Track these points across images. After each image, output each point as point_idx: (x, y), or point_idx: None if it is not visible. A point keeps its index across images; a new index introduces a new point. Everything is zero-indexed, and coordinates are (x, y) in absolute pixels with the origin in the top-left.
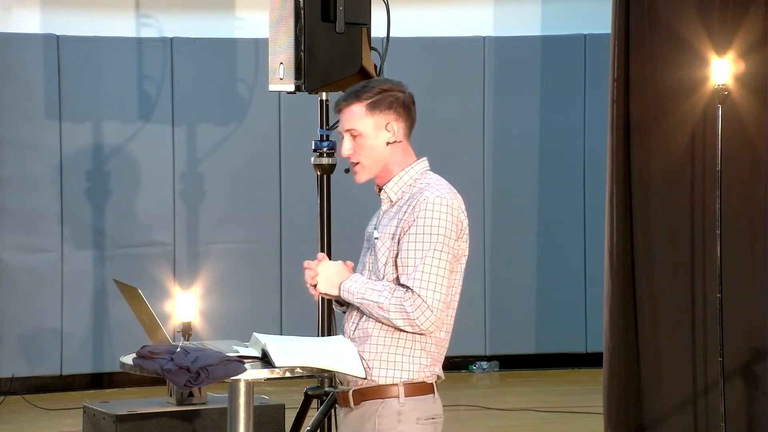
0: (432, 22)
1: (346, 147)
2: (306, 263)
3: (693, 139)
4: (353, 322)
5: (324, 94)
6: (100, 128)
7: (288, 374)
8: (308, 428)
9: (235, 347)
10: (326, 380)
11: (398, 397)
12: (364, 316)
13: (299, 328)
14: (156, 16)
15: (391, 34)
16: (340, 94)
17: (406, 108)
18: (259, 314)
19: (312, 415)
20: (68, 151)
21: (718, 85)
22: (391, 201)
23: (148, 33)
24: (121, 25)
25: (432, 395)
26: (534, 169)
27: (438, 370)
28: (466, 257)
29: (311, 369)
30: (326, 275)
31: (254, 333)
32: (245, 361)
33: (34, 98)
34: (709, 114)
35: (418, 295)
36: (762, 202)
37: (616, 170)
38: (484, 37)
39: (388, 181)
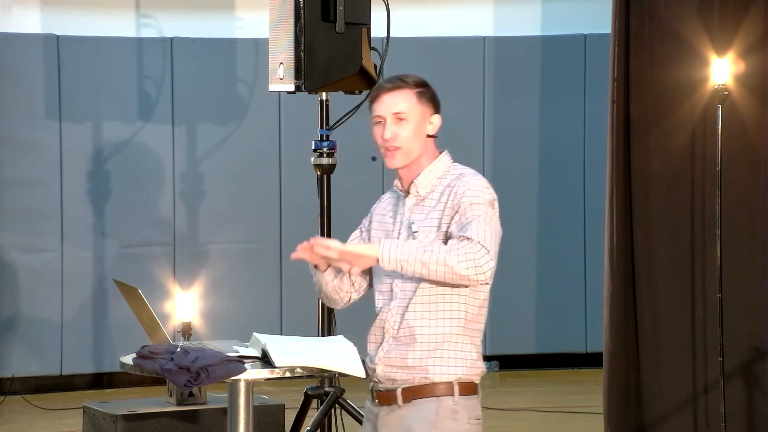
0: (432, 22)
1: (391, 130)
2: (331, 246)
3: (693, 139)
4: (395, 321)
5: (324, 94)
6: (100, 128)
7: (288, 374)
8: (308, 428)
9: (235, 347)
10: (326, 380)
11: (453, 395)
12: (408, 314)
13: (299, 328)
14: (156, 16)
15: (391, 34)
16: (340, 94)
17: (440, 106)
18: (259, 314)
19: (312, 415)
20: (68, 151)
21: (718, 85)
22: (419, 194)
23: (148, 33)
24: (121, 25)
25: (477, 395)
26: (534, 169)
27: (483, 364)
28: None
29: (311, 369)
30: (348, 251)
31: (254, 333)
32: (245, 361)
33: (34, 98)
34: (709, 114)
35: (478, 242)
36: (762, 202)
37: (616, 170)
38: (484, 37)
39: (417, 174)
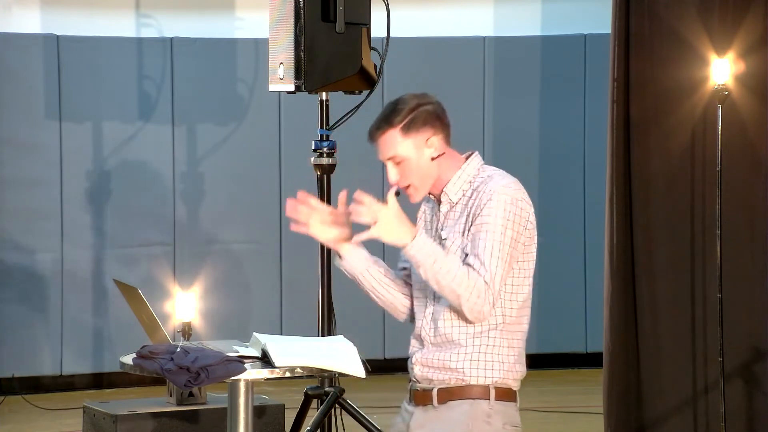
0: (432, 22)
1: (392, 174)
2: (362, 198)
3: (693, 139)
4: (430, 328)
5: (324, 94)
6: (100, 128)
7: (288, 374)
8: (308, 428)
9: (235, 347)
10: (326, 380)
11: (489, 399)
12: (441, 320)
13: (299, 328)
14: (156, 16)
15: (391, 34)
16: (340, 94)
17: (439, 119)
18: (259, 314)
19: (312, 415)
20: (68, 151)
21: (718, 85)
22: (452, 201)
23: (148, 33)
24: (121, 25)
25: (515, 403)
26: (534, 169)
27: (523, 367)
28: (536, 245)
29: (311, 369)
30: (390, 219)
31: (254, 333)
32: (245, 361)
33: (34, 98)
34: (709, 114)
35: (491, 287)
36: (762, 202)
37: (616, 170)
38: (484, 37)
39: (446, 184)
